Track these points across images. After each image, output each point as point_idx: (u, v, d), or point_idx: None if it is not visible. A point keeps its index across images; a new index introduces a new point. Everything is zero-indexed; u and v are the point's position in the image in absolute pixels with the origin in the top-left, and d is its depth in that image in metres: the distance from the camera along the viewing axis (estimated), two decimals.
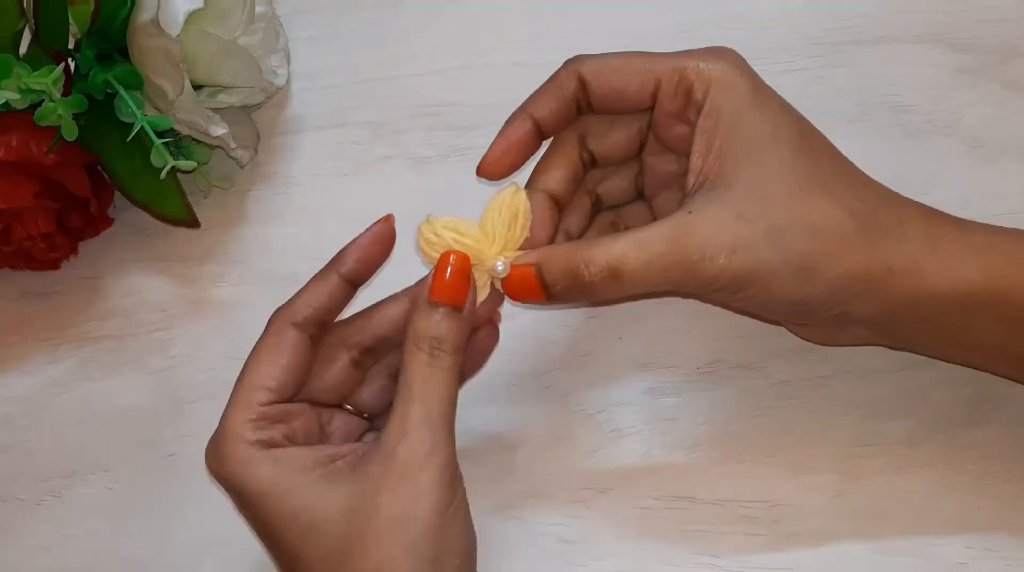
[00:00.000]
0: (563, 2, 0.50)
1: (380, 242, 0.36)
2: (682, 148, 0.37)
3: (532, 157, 0.38)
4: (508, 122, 0.37)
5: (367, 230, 0.37)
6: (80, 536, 0.41)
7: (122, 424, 0.43)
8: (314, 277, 0.36)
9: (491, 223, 0.35)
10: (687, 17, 0.49)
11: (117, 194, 0.46)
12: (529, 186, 0.38)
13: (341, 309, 0.37)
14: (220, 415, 0.42)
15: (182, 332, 0.44)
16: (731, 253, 0.33)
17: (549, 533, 0.39)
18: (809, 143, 0.35)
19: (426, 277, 0.35)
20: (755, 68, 0.39)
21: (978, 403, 0.39)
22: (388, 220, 0.37)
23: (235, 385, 0.35)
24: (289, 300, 0.36)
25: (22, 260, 0.45)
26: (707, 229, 0.33)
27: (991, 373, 0.38)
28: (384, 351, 0.37)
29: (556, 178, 0.38)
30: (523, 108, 0.37)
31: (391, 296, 0.37)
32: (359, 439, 0.37)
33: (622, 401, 0.41)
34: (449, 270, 0.34)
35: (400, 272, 0.44)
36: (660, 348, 0.42)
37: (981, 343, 0.36)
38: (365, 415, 0.38)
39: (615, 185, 0.40)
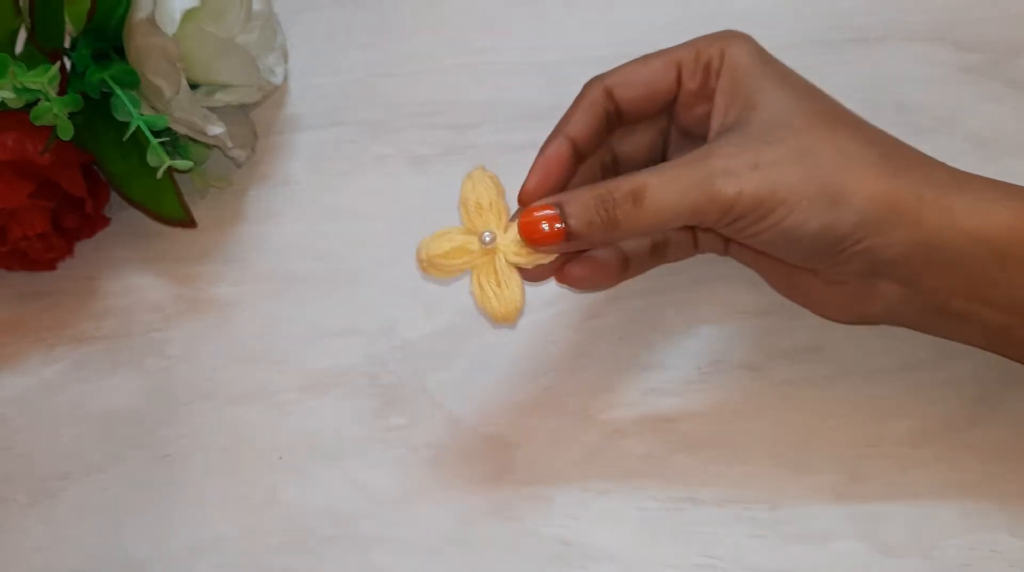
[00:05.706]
0: (562, 0, 0.50)
1: None
2: (703, 130, 0.37)
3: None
4: (545, 145, 0.36)
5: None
6: (75, 537, 0.41)
7: (117, 425, 0.42)
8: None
9: (470, 211, 0.36)
10: (688, 14, 0.49)
11: (113, 194, 0.46)
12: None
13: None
14: (217, 416, 0.42)
15: (179, 332, 0.44)
16: (753, 169, 0.33)
17: (549, 534, 0.39)
18: (820, 91, 0.36)
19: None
20: None
21: (981, 404, 0.39)
22: None
23: None
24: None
25: (17, 260, 0.44)
26: (729, 150, 0.34)
27: (1010, 354, 0.37)
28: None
29: (579, 126, 0.37)
30: (557, 130, 0.37)
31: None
32: None
33: (622, 401, 0.41)
34: None
35: (400, 271, 0.44)
36: (661, 348, 0.42)
37: (1013, 301, 0.34)
38: None
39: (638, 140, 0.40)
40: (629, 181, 0.34)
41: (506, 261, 0.35)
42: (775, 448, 0.39)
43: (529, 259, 0.36)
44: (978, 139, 0.45)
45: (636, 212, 0.33)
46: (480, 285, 0.36)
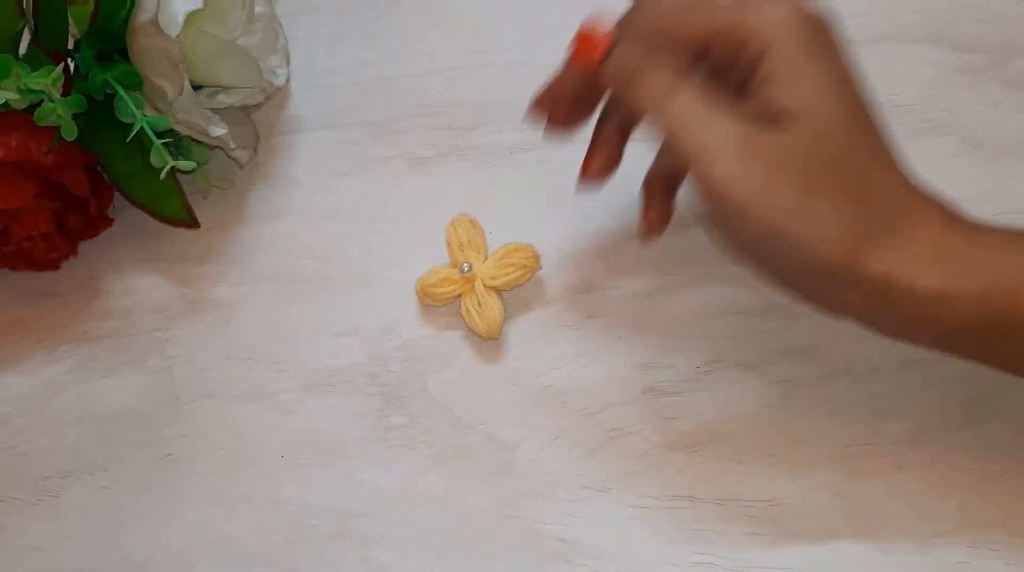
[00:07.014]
0: (562, 1, 0.50)
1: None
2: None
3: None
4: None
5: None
6: (77, 536, 0.41)
7: (120, 424, 0.42)
8: None
9: (453, 249, 0.43)
10: None
11: (117, 194, 0.46)
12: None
13: None
14: (219, 415, 0.42)
15: (181, 332, 0.44)
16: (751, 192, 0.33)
17: (549, 533, 0.39)
18: (853, 111, 0.35)
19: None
20: None
21: (978, 402, 0.39)
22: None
23: None
24: None
25: (21, 261, 0.44)
26: (734, 168, 0.33)
27: None
28: None
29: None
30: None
31: None
32: None
33: (622, 400, 0.41)
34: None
35: (400, 271, 0.44)
36: (660, 347, 0.42)
37: (984, 362, 0.35)
38: None
39: None
40: (673, 76, 0.34)
41: (484, 286, 0.42)
42: (773, 447, 0.39)
43: (503, 282, 0.42)
44: (975, 140, 0.45)
45: (653, 100, 0.34)
46: (466, 308, 0.42)
